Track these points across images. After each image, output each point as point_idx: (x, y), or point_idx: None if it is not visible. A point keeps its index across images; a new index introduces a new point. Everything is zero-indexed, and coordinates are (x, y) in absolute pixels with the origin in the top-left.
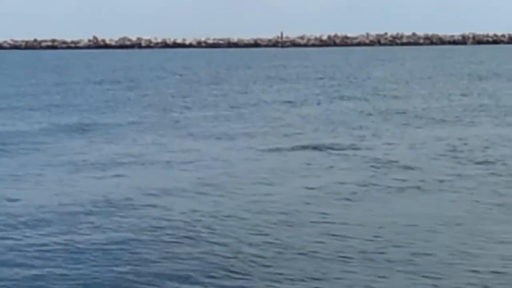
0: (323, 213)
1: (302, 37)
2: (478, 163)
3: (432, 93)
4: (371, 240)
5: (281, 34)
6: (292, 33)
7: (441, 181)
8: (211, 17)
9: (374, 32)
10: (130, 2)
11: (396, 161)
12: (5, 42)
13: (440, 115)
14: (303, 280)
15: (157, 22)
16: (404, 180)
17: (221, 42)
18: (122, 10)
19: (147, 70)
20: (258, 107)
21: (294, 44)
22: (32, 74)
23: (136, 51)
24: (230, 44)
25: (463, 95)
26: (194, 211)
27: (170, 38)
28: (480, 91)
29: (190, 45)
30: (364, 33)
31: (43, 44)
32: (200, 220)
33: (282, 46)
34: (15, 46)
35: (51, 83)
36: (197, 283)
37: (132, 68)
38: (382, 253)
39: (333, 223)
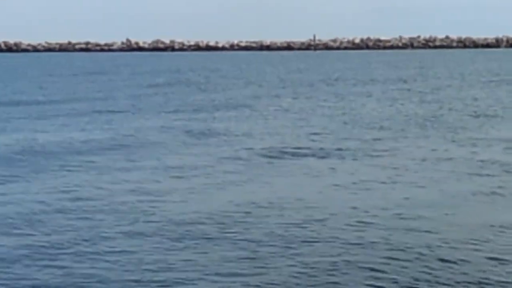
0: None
1: (334, 40)
2: None
3: None
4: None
5: (314, 37)
6: (325, 36)
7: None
8: (244, 20)
9: (407, 35)
10: (163, 5)
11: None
12: (39, 44)
13: None
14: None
15: (190, 25)
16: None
17: (254, 45)
18: (155, 12)
19: (207, 72)
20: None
21: (327, 47)
22: (96, 77)
23: (169, 54)
24: (262, 47)
25: None
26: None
27: (203, 40)
28: None
29: (223, 48)
30: (397, 36)
31: (77, 46)
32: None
33: (315, 49)
34: (49, 49)
35: (136, 85)
36: None
37: (194, 70)
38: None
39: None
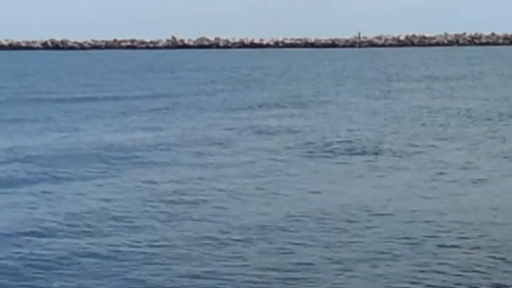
0: None
1: (379, 37)
2: None
3: None
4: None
5: (359, 34)
6: (369, 33)
7: None
8: (288, 17)
9: (452, 32)
10: (208, 2)
11: None
12: (85, 42)
13: None
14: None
15: (235, 22)
16: None
17: (298, 42)
18: (200, 10)
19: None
20: None
21: (371, 44)
22: (154, 74)
23: (214, 51)
24: (307, 44)
25: None
26: None
27: (248, 38)
28: None
29: (267, 45)
30: (442, 33)
31: (123, 44)
32: None
33: (360, 46)
34: (95, 46)
35: (196, 82)
36: None
37: (247, 67)
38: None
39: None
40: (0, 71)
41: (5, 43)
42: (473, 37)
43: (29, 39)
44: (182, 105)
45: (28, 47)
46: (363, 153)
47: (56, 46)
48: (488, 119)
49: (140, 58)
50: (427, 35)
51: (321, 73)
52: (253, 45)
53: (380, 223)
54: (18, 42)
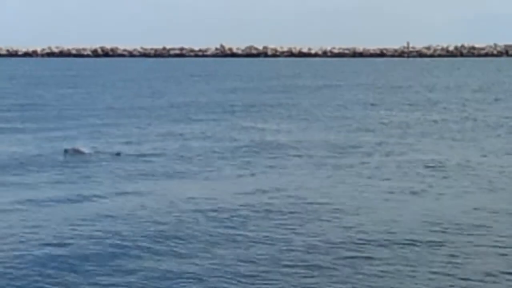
0: None
1: (428, 48)
2: None
3: None
4: None
5: (407, 44)
6: (418, 43)
7: None
8: (337, 26)
9: (502, 42)
10: (257, 11)
11: None
12: (135, 50)
13: None
14: None
15: (283, 31)
16: None
17: (347, 51)
18: (249, 19)
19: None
20: None
21: (420, 54)
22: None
23: (262, 59)
24: (355, 54)
25: None
26: None
27: (296, 47)
28: None
29: (316, 54)
30: (491, 43)
31: (172, 52)
32: None
33: (408, 56)
34: (144, 54)
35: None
36: None
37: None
38: None
39: None
40: (58, 78)
41: (56, 50)
42: None
43: (80, 46)
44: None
45: (78, 54)
46: None
47: (106, 53)
48: None
49: (199, 66)
50: (476, 45)
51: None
52: (301, 54)
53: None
54: (69, 49)
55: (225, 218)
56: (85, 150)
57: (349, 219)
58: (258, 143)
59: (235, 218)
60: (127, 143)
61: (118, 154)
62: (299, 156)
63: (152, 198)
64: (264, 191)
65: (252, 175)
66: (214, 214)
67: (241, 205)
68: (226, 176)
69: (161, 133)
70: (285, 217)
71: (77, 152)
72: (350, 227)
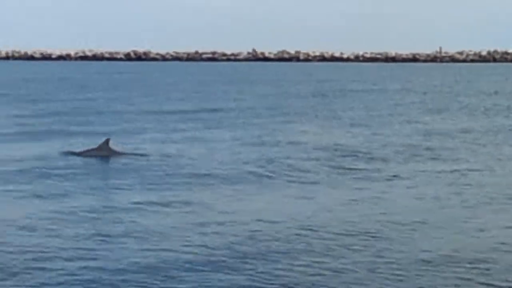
0: None
1: (461, 53)
2: None
3: None
4: None
5: (440, 49)
6: (451, 48)
7: None
8: (369, 31)
9: None
10: (289, 17)
11: None
12: (167, 53)
13: None
14: None
15: (315, 36)
16: None
17: (379, 56)
18: (281, 23)
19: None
20: None
21: (452, 59)
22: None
23: (294, 64)
24: (387, 59)
25: None
26: None
27: (328, 51)
28: None
29: (348, 59)
30: None
31: (204, 56)
32: None
33: (441, 61)
34: (177, 58)
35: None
36: None
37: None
38: None
39: None
40: (102, 81)
41: (89, 53)
42: None
43: (113, 50)
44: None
45: (112, 58)
46: None
47: (139, 57)
48: None
49: (235, 70)
50: (509, 50)
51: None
52: (333, 59)
53: None
54: (102, 53)
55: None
56: (136, 152)
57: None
58: (329, 149)
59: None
60: (176, 147)
61: (163, 156)
62: (374, 159)
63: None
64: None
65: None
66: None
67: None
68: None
69: (210, 138)
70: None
71: (124, 154)
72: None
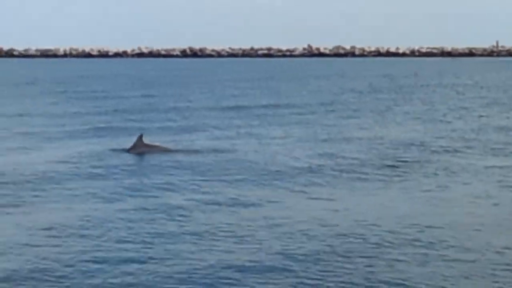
0: None
1: None
2: None
3: None
4: None
5: (497, 43)
6: (508, 42)
7: None
8: (424, 25)
9: None
10: (343, 12)
11: None
12: (223, 50)
13: None
14: None
15: (370, 31)
16: None
17: (435, 51)
18: (336, 19)
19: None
20: None
21: (510, 53)
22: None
23: (349, 59)
24: (443, 53)
25: None
26: None
27: (383, 46)
28: None
29: (403, 54)
30: None
31: (260, 52)
32: None
33: (497, 55)
34: (232, 54)
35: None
36: None
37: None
38: None
39: None
40: (152, 78)
41: (146, 50)
42: None
43: (169, 47)
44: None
45: (168, 55)
46: None
47: (195, 53)
48: None
49: (285, 66)
50: None
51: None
52: (389, 54)
53: None
54: (158, 50)
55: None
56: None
57: None
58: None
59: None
60: (230, 142)
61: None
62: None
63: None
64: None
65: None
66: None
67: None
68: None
69: (265, 134)
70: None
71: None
72: None
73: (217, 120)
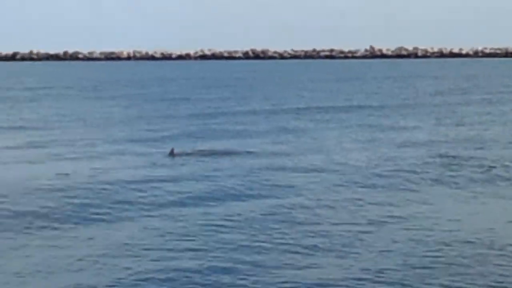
0: None
1: None
2: None
3: None
4: None
5: None
6: None
7: None
8: (486, 26)
9: None
10: (407, 12)
11: None
12: (285, 52)
13: None
14: None
15: (433, 32)
16: None
17: (498, 51)
18: (399, 20)
19: None
20: None
21: None
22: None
23: (412, 60)
24: (507, 54)
25: None
26: None
27: (446, 47)
28: None
29: (467, 55)
30: None
31: (321, 54)
32: None
33: None
34: (294, 56)
35: None
36: None
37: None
38: None
39: None
40: (218, 81)
41: (208, 53)
42: None
43: (231, 49)
44: None
45: (230, 57)
46: None
47: (257, 55)
48: None
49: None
50: None
51: None
52: (452, 55)
53: None
54: (221, 52)
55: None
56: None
57: None
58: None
59: None
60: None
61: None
62: None
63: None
64: None
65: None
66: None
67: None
68: None
69: (324, 136)
70: None
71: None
72: None
73: (272, 123)
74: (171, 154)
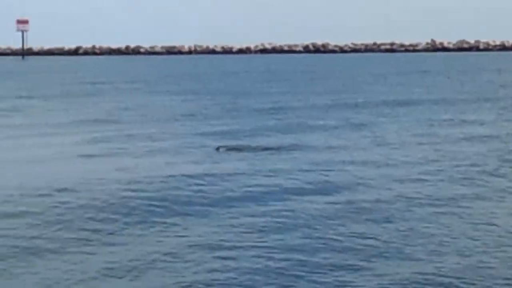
0: None
1: None
2: None
3: None
4: None
5: None
6: None
7: None
8: None
9: None
10: (467, 5)
11: None
12: (346, 45)
13: None
14: None
15: (495, 24)
16: None
17: None
18: (460, 12)
19: None
20: None
21: None
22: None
23: (473, 53)
24: None
25: None
26: None
27: (509, 40)
28: None
29: None
30: None
31: (382, 47)
32: None
33: None
34: (354, 50)
35: None
36: None
37: None
38: None
39: None
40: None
41: (269, 46)
42: None
43: (291, 42)
44: None
45: (290, 51)
46: None
47: (317, 49)
48: None
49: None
50: None
51: None
52: None
53: None
54: (281, 46)
55: None
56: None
57: None
58: None
59: None
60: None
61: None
62: None
63: None
64: None
65: None
66: None
67: None
68: None
69: (377, 132)
70: None
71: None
72: None
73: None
74: (224, 149)
